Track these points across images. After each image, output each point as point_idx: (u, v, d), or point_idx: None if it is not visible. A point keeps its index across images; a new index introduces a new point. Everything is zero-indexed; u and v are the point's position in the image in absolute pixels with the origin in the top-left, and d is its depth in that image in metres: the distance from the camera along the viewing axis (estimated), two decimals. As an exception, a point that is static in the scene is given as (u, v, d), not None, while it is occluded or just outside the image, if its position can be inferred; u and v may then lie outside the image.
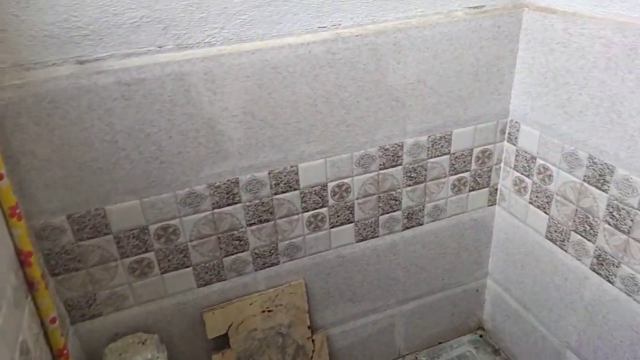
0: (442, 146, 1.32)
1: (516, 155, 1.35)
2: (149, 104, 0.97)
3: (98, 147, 0.97)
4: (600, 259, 1.15)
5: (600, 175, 1.10)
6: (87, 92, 0.93)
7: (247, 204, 1.17)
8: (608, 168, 1.08)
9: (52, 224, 1.01)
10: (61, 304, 1.09)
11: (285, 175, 1.18)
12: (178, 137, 1.03)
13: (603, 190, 1.10)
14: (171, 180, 1.07)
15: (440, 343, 1.67)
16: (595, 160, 1.11)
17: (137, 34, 0.95)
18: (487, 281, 1.62)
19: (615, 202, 1.08)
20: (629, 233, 1.07)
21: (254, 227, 1.21)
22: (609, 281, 1.15)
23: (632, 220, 1.05)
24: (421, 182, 1.35)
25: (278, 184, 1.18)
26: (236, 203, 1.16)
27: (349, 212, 1.31)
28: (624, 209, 1.06)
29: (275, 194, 1.19)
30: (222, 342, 1.30)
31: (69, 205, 1.01)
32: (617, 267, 1.12)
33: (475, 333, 1.71)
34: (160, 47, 0.97)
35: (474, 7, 1.19)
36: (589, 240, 1.17)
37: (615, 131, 1.04)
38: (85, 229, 1.04)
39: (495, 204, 1.49)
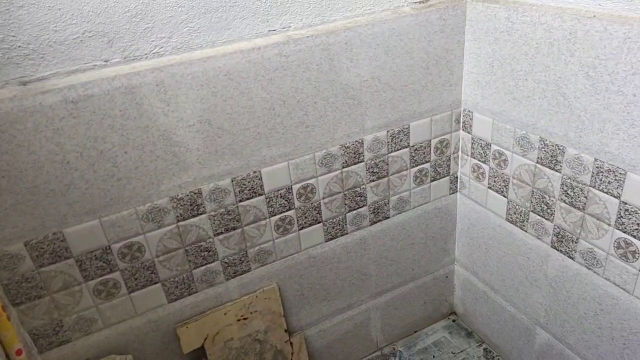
0: (401, 140, 1.34)
1: (472, 143, 1.39)
2: (99, 120, 0.95)
3: (49, 169, 0.94)
4: (560, 236, 1.20)
5: (552, 156, 1.15)
6: (32, 114, 0.89)
7: (213, 213, 1.16)
8: (559, 149, 1.12)
9: (9, 252, 0.97)
10: (26, 334, 1.05)
11: (248, 181, 1.17)
12: (134, 151, 1.01)
13: (556, 170, 1.15)
14: (131, 197, 1.04)
15: (415, 332, 1.70)
16: (546, 142, 1.15)
17: (80, 49, 0.92)
18: (455, 267, 1.66)
19: (569, 180, 1.13)
20: (583, 209, 1.12)
21: (221, 236, 1.19)
22: (569, 257, 1.20)
23: (585, 197, 1.10)
24: (384, 177, 1.37)
25: (242, 191, 1.17)
26: (201, 214, 1.14)
27: (316, 212, 1.31)
28: (577, 186, 1.11)
29: (240, 200, 1.18)
30: (199, 355, 1.28)
31: (25, 232, 0.97)
32: (575, 242, 1.17)
33: (449, 318, 1.75)
34: (107, 61, 0.95)
35: (420, 2, 1.22)
36: (547, 219, 1.22)
37: (562, 113, 1.09)
38: (44, 255, 1.01)
39: (456, 192, 1.53)
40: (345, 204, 1.35)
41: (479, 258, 1.53)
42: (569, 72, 1.04)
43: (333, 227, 1.36)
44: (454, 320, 1.74)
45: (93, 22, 0.91)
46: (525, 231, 1.30)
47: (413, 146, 1.37)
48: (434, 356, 1.60)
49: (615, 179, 1.02)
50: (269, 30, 1.08)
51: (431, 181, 1.46)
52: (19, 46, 0.87)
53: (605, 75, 0.97)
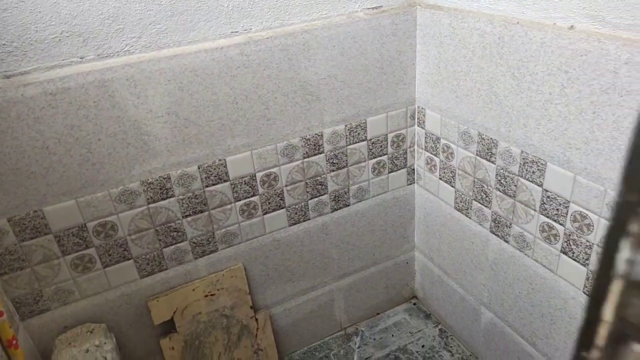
0: (358, 133, 1.46)
1: (425, 137, 1.51)
2: (75, 110, 1.07)
3: (30, 154, 1.06)
4: (496, 222, 1.32)
5: (488, 149, 1.27)
6: (15, 104, 1.01)
7: (181, 197, 1.28)
8: (493, 142, 1.24)
9: (-6, 228, 1.09)
10: (9, 301, 1.17)
11: (214, 169, 1.29)
12: (107, 139, 1.13)
13: (491, 162, 1.27)
14: (104, 180, 1.16)
15: (378, 314, 1.82)
16: (483, 136, 1.27)
17: (59, 47, 1.04)
18: (415, 253, 1.78)
19: (502, 171, 1.25)
20: (514, 197, 1.24)
21: (189, 218, 1.31)
22: (505, 241, 1.32)
23: (515, 186, 1.22)
24: (343, 167, 1.49)
25: (208, 177, 1.29)
26: (170, 197, 1.26)
27: (279, 198, 1.43)
28: (508, 176, 1.23)
29: (207, 186, 1.30)
30: (169, 326, 1.40)
31: (8, 209, 1.09)
32: (509, 227, 1.29)
33: (410, 302, 1.87)
34: (82, 57, 1.07)
35: (373, 8, 1.34)
36: (485, 206, 1.34)
37: (494, 110, 1.21)
38: (26, 230, 1.13)
39: (414, 183, 1.65)
40: (307, 192, 1.47)
41: (434, 245, 1.65)
42: (498, 73, 1.16)
43: (296, 213, 1.48)
44: (414, 304, 1.86)
45: (70, 24, 1.03)
46: (470, 218, 1.42)
47: (370, 139, 1.49)
48: (392, 335, 1.72)
49: (538, 169, 1.14)
50: (232, 32, 1.20)
51: (389, 172, 1.58)
52: (3, 44, 0.99)
53: (527, 76, 1.09)
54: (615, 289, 0.22)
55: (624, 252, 0.22)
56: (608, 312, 0.23)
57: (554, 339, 1.26)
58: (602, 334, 0.23)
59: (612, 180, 0.99)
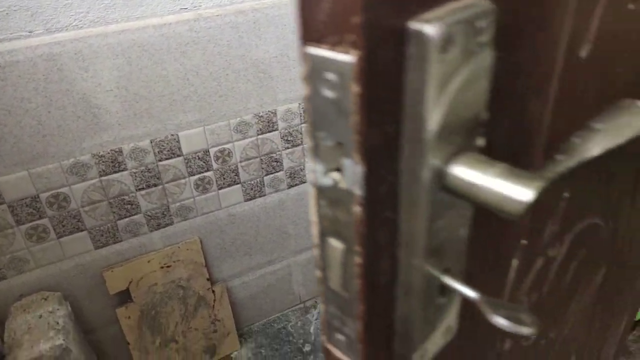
0: (311, 111, 1.50)
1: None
2: (24, 83, 1.10)
3: (-21, 124, 1.09)
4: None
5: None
6: (-38, 75, 1.04)
7: (134, 170, 1.32)
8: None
9: (-54, 197, 1.12)
10: (-37, 270, 1.21)
11: (167, 143, 1.33)
12: (57, 112, 1.16)
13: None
14: (55, 152, 1.19)
15: (336, 289, 1.89)
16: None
17: (6, 21, 1.06)
18: (372, 230, 1.84)
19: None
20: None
21: (143, 191, 1.35)
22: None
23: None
24: (299, 145, 1.54)
25: (161, 151, 1.33)
26: (122, 170, 1.30)
27: (234, 174, 1.47)
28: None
29: (160, 160, 1.34)
30: (125, 296, 1.44)
31: (-40, 179, 1.13)
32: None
33: (368, 278, 1.93)
34: (31, 32, 1.09)
35: (322, -12, 1.38)
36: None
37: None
38: (-22, 200, 1.16)
39: (368, 161, 1.70)
40: (262, 168, 1.51)
41: (388, 221, 1.71)
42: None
43: (251, 189, 1.53)
44: (372, 279, 1.92)
45: (17, -3, 1.06)
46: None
47: (324, 118, 1.53)
48: (348, 309, 1.78)
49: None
50: (181, 9, 1.23)
51: (344, 150, 1.63)
52: (-51, 16, 1.01)
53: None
54: (312, 194, 0.28)
55: (308, 164, 0.27)
56: (313, 213, 0.28)
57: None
58: (314, 232, 0.29)
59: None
